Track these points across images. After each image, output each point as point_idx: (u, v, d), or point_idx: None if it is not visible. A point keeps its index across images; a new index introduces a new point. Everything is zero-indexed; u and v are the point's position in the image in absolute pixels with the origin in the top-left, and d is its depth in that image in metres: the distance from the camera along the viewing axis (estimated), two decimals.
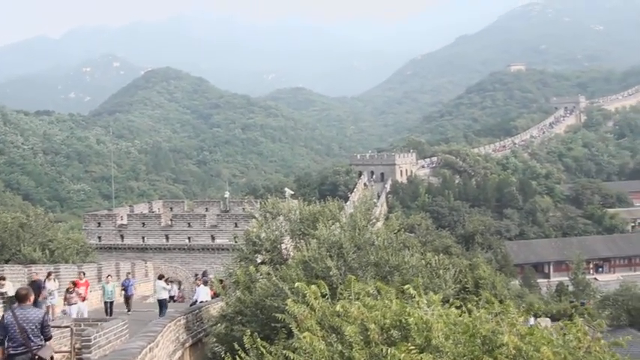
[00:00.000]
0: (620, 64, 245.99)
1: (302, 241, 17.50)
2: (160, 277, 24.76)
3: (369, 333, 8.31)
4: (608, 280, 75.16)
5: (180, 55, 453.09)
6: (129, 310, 24.04)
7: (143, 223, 40.45)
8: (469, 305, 9.53)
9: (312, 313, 9.43)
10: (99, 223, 41.27)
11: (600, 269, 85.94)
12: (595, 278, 77.00)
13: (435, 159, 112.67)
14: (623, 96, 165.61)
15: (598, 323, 10.52)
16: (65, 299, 21.17)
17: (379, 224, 17.71)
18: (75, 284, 21.92)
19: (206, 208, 47.42)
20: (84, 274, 25.18)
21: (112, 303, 23.31)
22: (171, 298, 28.09)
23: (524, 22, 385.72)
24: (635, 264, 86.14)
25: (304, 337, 8.37)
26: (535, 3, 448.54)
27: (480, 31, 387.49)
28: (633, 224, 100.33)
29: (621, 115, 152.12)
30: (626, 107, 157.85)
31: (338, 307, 9.04)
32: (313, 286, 9.84)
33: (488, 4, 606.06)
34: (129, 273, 29.19)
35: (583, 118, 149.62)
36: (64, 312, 20.77)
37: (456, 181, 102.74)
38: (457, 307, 9.43)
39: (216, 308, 19.44)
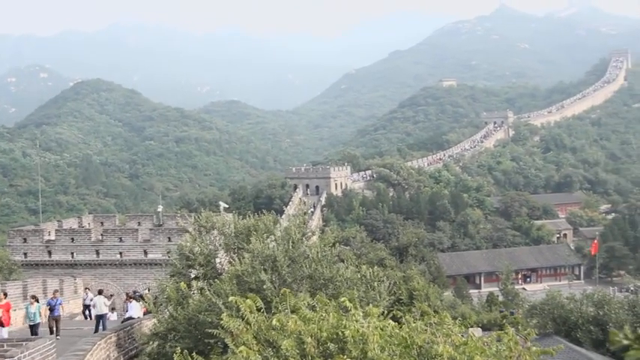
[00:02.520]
0: (544, 81, 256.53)
1: (236, 255, 17.29)
2: (100, 292, 24.04)
3: (305, 346, 8.24)
4: (535, 290, 77.47)
5: (112, 67, 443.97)
6: (57, 335, 21.10)
7: (72, 239, 39.10)
8: (406, 316, 9.59)
9: (248, 327, 9.29)
10: (25, 239, 39.66)
11: (528, 279, 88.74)
12: (523, 288, 79.32)
13: (369, 172, 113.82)
14: (548, 112, 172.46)
15: (528, 332, 10.77)
16: None
17: (314, 238, 17.69)
18: None
19: (138, 223, 46.30)
20: (5, 294, 21.87)
21: (37, 325, 21.12)
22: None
23: (455, 39, 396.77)
24: (561, 274, 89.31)
25: (240, 352, 8.23)
26: (465, 21, 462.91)
27: (413, 47, 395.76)
28: (558, 235, 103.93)
29: (547, 130, 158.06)
30: (550, 122, 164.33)
31: (274, 321, 8.94)
32: (248, 300, 9.70)
33: (419, 22, 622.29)
34: (56, 291, 26.92)
35: (511, 133, 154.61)
36: None
37: (390, 194, 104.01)
38: (394, 319, 9.47)
39: (148, 325, 18.95)
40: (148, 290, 31.32)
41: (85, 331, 22.13)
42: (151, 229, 40.90)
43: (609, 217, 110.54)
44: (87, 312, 29.70)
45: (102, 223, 47.42)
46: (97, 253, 38.57)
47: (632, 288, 57.88)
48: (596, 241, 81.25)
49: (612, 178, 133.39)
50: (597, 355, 26.72)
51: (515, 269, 79.02)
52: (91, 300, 28.87)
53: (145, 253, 38.27)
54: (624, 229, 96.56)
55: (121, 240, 38.84)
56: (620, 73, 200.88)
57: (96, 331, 21.44)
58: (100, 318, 22.74)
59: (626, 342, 2.72)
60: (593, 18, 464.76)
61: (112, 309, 31.34)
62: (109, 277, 38.15)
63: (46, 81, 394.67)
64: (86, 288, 31.00)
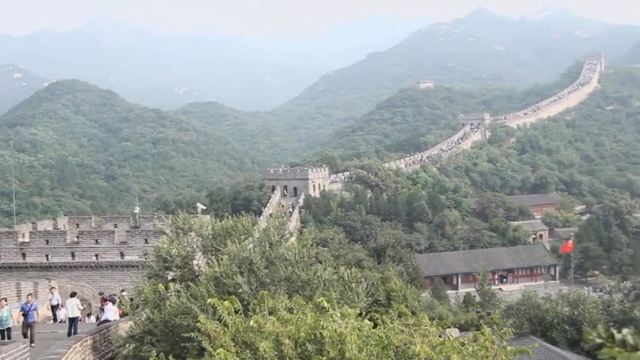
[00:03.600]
0: (520, 84, 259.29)
1: (214, 257, 17.22)
2: (73, 295, 23.70)
3: (283, 348, 8.23)
4: (511, 290, 78.14)
5: (88, 67, 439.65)
6: (31, 343, 19.42)
7: (47, 241, 38.62)
8: (384, 317, 9.62)
9: (226, 329, 9.25)
10: None
11: (505, 280, 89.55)
12: (500, 288, 79.95)
13: (347, 173, 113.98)
14: (524, 114, 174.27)
15: (504, 332, 10.85)
16: None
17: (292, 239, 17.68)
18: None
19: (115, 224, 45.93)
20: None
21: (8, 330, 20.27)
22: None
23: (432, 41, 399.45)
24: (536, 274, 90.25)
25: (218, 354, 8.19)
26: (442, 23, 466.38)
27: (390, 49, 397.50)
28: (534, 236, 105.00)
29: (522, 132, 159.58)
30: (526, 124, 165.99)
31: (252, 323, 8.91)
32: (226, 302, 9.66)
33: (396, 24, 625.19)
34: (30, 295, 25.91)
35: (488, 135, 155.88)
36: None
37: (368, 196, 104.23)
38: (371, 320, 9.50)
39: (124, 328, 18.78)
40: (121, 292, 31.03)
41: (60, 334, 21.85)
42: (127, 231, 40.59)
43: (584, 217, 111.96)
44: (55, 313, 28.63)
45: (77, 224, 46.97)
46: (73, 255, 38.15)
47: (607, 288, 58.72)
48: (570, 242, 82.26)
49: (587, 179, 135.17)
50: (572, 354, 27.03)
51: (491, 270, 79.73)
52: (58, 301, 28.41)
53: (122, 255, 37.95)
54: (598, 229, 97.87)
55: (97, 242, 38.46)
56: (593, 76, 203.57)
57: (69, 334, 21.16)
58: (73, 321, 22.42)
59: (599, 340, 2.76)
60: (567, 21, 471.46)
61: (88, 314, 30.97)
62: (85, 279, 37.76)
63: (20, 81, 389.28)
64: (52, 288, 30.13)
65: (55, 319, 28.43)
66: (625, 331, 2.74)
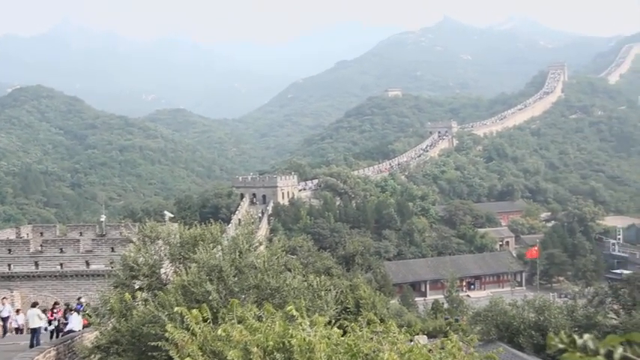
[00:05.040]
0: (487, 92, 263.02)
1: (182, 265, 17.07)
2: (34, 305, 23.25)
3: (251, 356, 8.20)
4: (479, 297, 78.94)
5: (54, 73, 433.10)
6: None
7: (9, 250, 37.87)
8: (352, 325, 9.64)
9: (194, 338, 9.18)
10: None
11: (472, 286, 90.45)
12: (468, 295, 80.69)
13: (316, 181, 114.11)
14: (491, 122, 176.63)
15: (470, 338, 10.96)
16: None
17: (262, 247, 17.63)
18: None
19: (80, 233, 45.19)
20: None
21: None
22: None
23: (400, 50, 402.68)
24: (503, 280, 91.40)
25: None
26: (410, 32, 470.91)
27: (359, 57, 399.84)
28: (501, 243, 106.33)
29: (489, 140, 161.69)
30: (493, 132, 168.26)
31: (220, 331, 8.86)
32: (194, 311, 9.59)
33: (365, 32, 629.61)
34: None
35: (455, 143, 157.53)
36: None
37: (337, 203, 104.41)
38: (340, 328, 9.51)
39: (89, 338, 18.49)
40: (78, 299, 30.49)
41: (22, 345, 21.43)
42: (93, 240, 40.01)
43: (549, 224, 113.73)
44: (5, 325, 27.69)
45: (41, 233, 46.07)
46: (36, 264, 37.46)
47: (571, 293, 59.67)
48: (535, 248, 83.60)
49: (551, 186, 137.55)
50: (538, 359, 27.42)
51: (459, 277, 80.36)
52: (9, 312, 27.77)
53: (87, 264, 37.39)
54: (563, 236, 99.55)
55: (61, 251, 37.83)
56: (557, 85, 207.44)
57: (31, 345, 20.75)
58: (34, 332, 22.01)
59: (561, 346, 2.82)
60: (532, 32, 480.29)
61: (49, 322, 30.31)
62: (49, 289, 37.08)
63: None
64: (3, 298, 29.46)
65: (4, 332, 27.51)
66: (586, 336, 2.81)
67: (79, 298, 30.95)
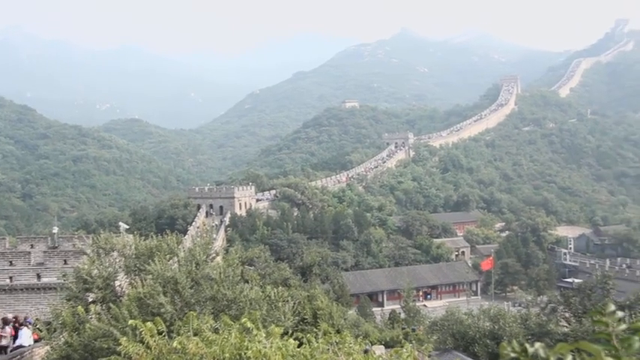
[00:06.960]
0: (442, 104, 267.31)
1: (137, 277, 16.81)
2: None
3: None
4: (435, 307, 79.66)
5: (3, 81, 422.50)
6: None
7: None
8: (309, 336, 9.63)
9: (148, 351, 9.04)
10: None
11: (429, 296, 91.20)
12: (424, 305, 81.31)
13: (273, 192, 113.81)
14: (446, 133, 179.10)
15: (425, 347, 11.07)
16: None
17: (218, 258, 17.49)
18: None
19: (31, 245, 44.02)
20: None
21: None
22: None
23: (357, 61, 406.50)
24: (459, 290, 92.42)
25: None
26: (367, 44, 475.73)
27: (316, 68, 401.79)
28: (457, 253, 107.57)
29: (445, 151, 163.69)
30: (448, 144, 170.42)
31: (175, 344, 8.75)
32: (149, 323, 9.45)
33: (322, 44, 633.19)
34: None
35: (412, 154, 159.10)
36: None
37: (295, 214, 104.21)
38: (296, 339, 9.49)
39: (40, 354, 18.02)
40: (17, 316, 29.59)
41: None
42: (45, 252, 39.06)
43: (503, 234, 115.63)
44: None
45: None
46: None
47: (524, 302, 60.76)
48: (490, 258, 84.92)
49: (506, 197, 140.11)
50: None
51: (416, 287, 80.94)
52: None
53: (39, 276, 36.46)
54: (517, 246, 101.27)
55: (11, 263, 36.84)
56: (511, 98, 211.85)
57: None
58: None
59: (513, 355, 2.87)
60: (486, 46, 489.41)
61: None
62: None
63: None
64: None
65: None
66: (537, 345, 2.87)
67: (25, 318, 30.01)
